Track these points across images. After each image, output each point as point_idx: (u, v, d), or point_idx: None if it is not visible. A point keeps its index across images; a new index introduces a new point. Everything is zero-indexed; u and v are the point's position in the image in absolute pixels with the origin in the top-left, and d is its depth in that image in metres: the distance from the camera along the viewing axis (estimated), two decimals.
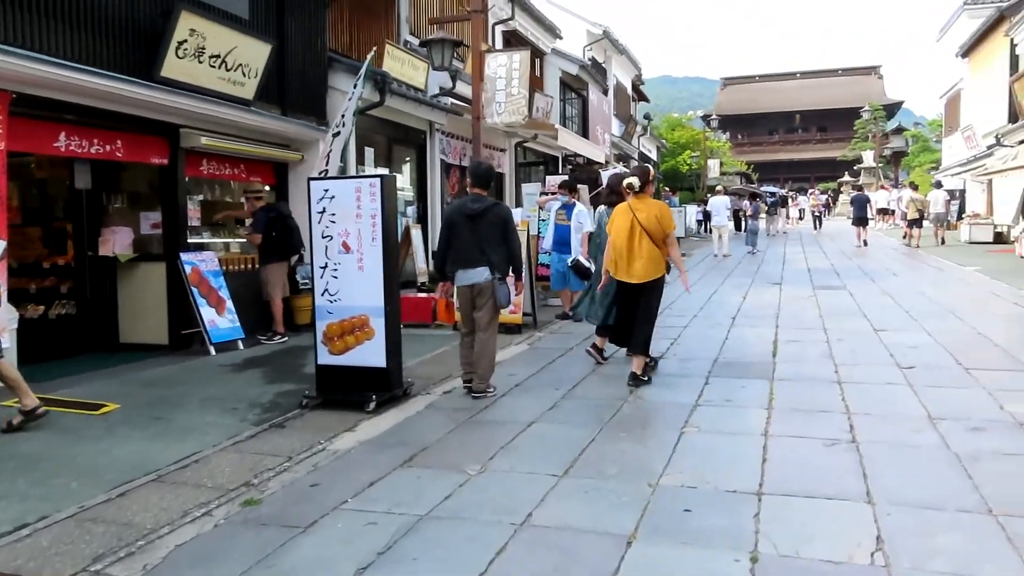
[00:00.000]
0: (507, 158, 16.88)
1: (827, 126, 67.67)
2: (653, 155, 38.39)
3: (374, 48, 9.87)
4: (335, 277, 5.81)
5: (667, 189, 34.40)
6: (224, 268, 8.65)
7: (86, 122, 6.99)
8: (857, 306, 10.23)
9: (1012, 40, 21.59)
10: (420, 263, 11.53)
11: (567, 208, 9.53)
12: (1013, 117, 20.87)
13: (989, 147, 23.39)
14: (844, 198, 42.91)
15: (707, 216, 24.55)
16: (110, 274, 8.16)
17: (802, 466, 4.10)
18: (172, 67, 7.27)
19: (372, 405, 5.54)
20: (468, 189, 6.13)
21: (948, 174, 29.27)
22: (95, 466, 4.44)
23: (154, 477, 4.23)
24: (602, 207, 10.05)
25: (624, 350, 7.22)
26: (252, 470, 4.37)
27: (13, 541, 3.45)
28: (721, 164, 42.89)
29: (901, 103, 65.05)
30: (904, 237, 22.57)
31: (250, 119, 8.68)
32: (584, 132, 22.08)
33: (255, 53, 8.34)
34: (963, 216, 25.77)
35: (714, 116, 44.17)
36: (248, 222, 9.04)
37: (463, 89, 12.53)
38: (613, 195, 7.48)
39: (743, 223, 28.22)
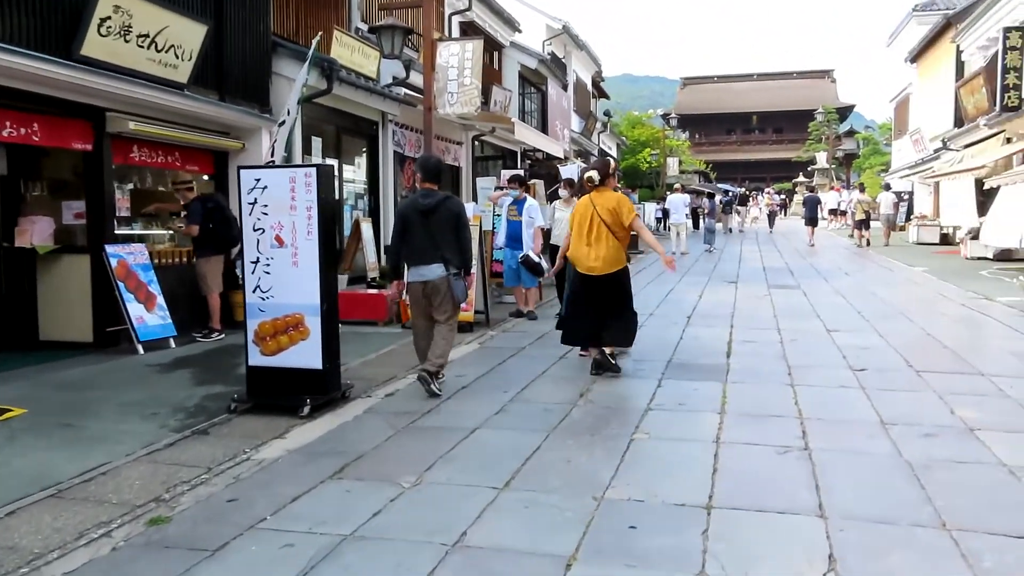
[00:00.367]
0: (464, 151, 16.56)
1: (783, 127, 68.64)
2: (613, 152, 38.38)
3: (320, 33, 9.47)
4: (267, 273, 5.44)
5: (627, 188, 34.39)
6: (156, 261, 8.20)
7: None
8: (811, 306, 10.18)
9: (958, 46, 21.99)
10: (371, 258, 11.15)
11: (518, 204, 9.28)
12: (959, 121, 21.26)
13: (936, 151, 23.85)
14: (798, 198, 43.50)
15: (666, 214, 24.58)
16: (28, 267, 7.64)
17: (753, 476, 3.90)
18: (94, 45, 6.79)
19: (306, 409, 5.20)
20: (418, 184, 5.97)
21: (897, 176, 29.82)
22: None
23: (52, 492, 3.84)
24: (556, 202, 9.86)
25: (576, 350, 7.04)
26: (165, 483, 4.01)
27: None
28: (680, 163, 43.12)
29: (853, 107, 66.29)
30: (851, 236, 23.45)
31: (184, 104, 8.22)
32: (543, 127, 21.86)
33: (189, 34, 7.89)
34: (911, 218, 26.26)
35: (673, 115, 44.31)
36: (184, 213, 8.58)
37: (417, 79, 12.16)
38: (582, 191, 7.35)
39: (700, 221, 28.40)
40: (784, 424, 4.79)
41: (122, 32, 7.07)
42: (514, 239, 9.32)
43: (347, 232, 11.71)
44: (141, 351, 7.46)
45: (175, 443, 4.71)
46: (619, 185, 22.24)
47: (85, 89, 6.98)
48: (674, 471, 4.02)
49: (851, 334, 7.97)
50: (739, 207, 32.22)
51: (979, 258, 16.37)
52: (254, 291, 5.49)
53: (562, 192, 9.62)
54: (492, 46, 19.17)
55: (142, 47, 7.36)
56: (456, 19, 16.58)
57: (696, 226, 27.81)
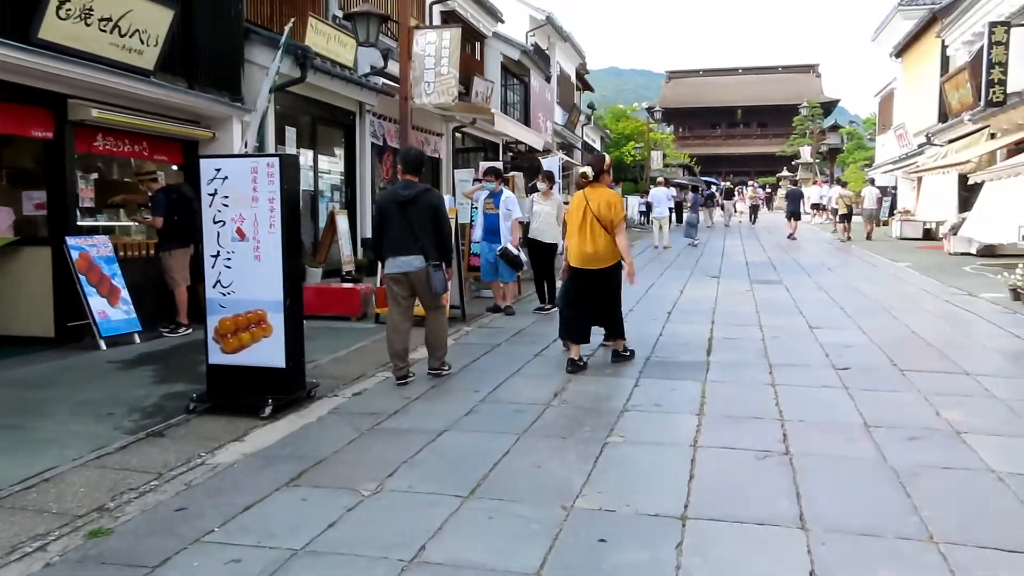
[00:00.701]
0: (444, 143, 16.31)
1: (767, 122, 68.71)
2: (597, 145, 38.22)
3: (293, 19, 9.19)
4: (228, 267, 5.21)
5: (611, 182, 34.22)
6: (122, 254, 7.93)
7: None
8: (793, 302, 10.04)
9: (943, 41, 21.95)
10: (346, 251, 10.90)
11: (494, 196, 9.05)
12: (943, 117, 21.22)
13: (920, 146, 23.83)
14: (782, 192, 43.53)
15: (650, 207, 24.44)
16: None
17: (731, 484, 3.72)
18: (53, 29, 6.50)
19: (268, 410, 4.98)
20: (399, 175, 6.02)
21: (881, 171, 29.81)
22: None
23: None
24: (534, 195, 9.66)
25: (555, 346, 6.86)
26: (111, 491, 3.78)
27: None
28: (664, 156, 42.99)
29: (837, 101, 66.45)
30: (834, 231, 23.60)
31: (150, 91, 7.92)
32: (526, 119, 21.63)
33: (154, 18, 7.60)
34: (894, 213, 26.27)
35: (658, 108, 44.22)
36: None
37: (396, 69, 11.87)
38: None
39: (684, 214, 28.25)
40: (764, 427, 4.62)
41: (82, 15, 6.78)
42: (491, 232, 9.11)
43: (322, 224, 11.46)
44: (103, 347, 7.20)
45: (127, 446, 4.48)
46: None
47: (44, 74, 6.69)
48: (648, 478, 3.83)
49: (834, 331, 7.83)
50: (724, 201, 32.13)
51: (962, 254, 16.33)
52: (214, 286, 5.26)
53: (540, 185, 9.41)
54: (474, 36, 18.90)
55: (104, 31, 7.07)
56: (437, 8, 16.31)
57: (680, 220, 27.65)
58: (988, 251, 15.61)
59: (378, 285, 8.61)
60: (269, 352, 5.13)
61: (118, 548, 3.16)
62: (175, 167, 9.22)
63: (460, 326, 8.39)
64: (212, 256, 5.25)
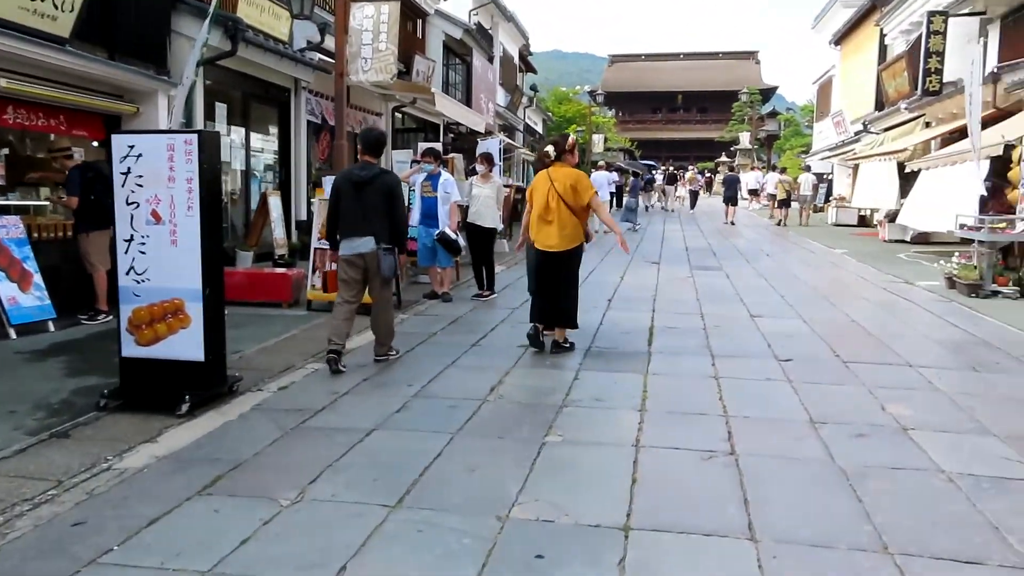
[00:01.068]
0: (383, 123, 15.83)
1: (707, 107, 69.44)
2: (539, 128, 37.99)
3: None
4: (142, 253, 4.81)
5: None
6: (36, 236, 7.40)
7: None
8: (734, 289, 10.03)
9: (882, 30, 22.34)
10: (279, 234, 10.46)
11: (432, 178, 8.73)
12: (880, 105, 21.66)
13: (857, 133, 24.31)
14: (720, 177, 44.14)
15: None
16: None
17: (676, 488, 3.55)
18: None
19: (185, 407, 4.62)
20: (359, 156, 5.99)
21: (818, 158, 30.37)
22: None
23: None
24: (473, 178, 9.38)
25: (497, 333, 6.62)
26: (2, 502, 3.40)
27: None
28: (606, 140, 43.06)
29: (775, 88, 67.55)
30: (771, 216, 24.13)
31: (66, 61, 7.35)
32: (467, 100, 21.22)
33: None
34: (830, 199, 26.83)
35: (600, 92, 44.19)
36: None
37: (333, 44, 11.40)
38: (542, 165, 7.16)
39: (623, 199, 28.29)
40: (709, 423, 4.48)
41: None
42: (429, 216, 8.79)
43: (254, 206, 10.96)
44: (13, 336, 6.70)
45: (26, 449, 4.09)
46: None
47: None
48: (589, 482, 3.63)
49: (775, 320, 7.80)
50: (666, 186, 32.30)
51: (897, 240, 16.72)
52: (127, 273, 4.86)
53: (478, 167, 9.13)
54: (415, 13, 18.38)
55: None
56: None
57: (620, 204, 27.71)
58: (922, 238, 16.00)
59: (311, 269, 8.23)
60: (187, 344, 4.76)
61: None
62: (96, 143, 8.62)
63: (395, 313, 8.06)
64: (125, 240, 4.84)
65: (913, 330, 7.49)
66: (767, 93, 62.58)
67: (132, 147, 4.77)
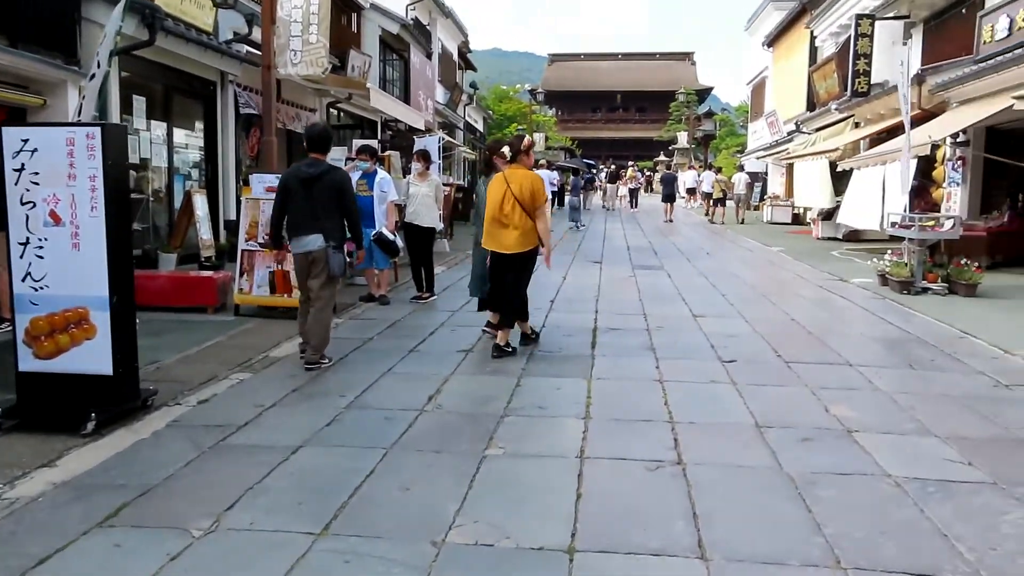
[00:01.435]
0: (317, 119, 15.31)
1: (645, 107, 70.30)
2: (480, 126, 37.76)
3: None
4: (40, 257, 4.39)
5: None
6: None
7: None
8: (675, 288, 9.98)
9: (812, 32, 22.84)
10: (205, 235, 9.92)
11: (368, 177, 8.39)
12: (811, 105, 22.11)
13: (790, 133, 24.82)
14: (659, 176, 44.66)
15: None
16: None
17: (623, 503, 3.36)
18: None
19: (91, 425, 4.22)
20: (307, 153, 5.84)
21: (752, 157, 30.95)
22: None
23: None
24: (410, 176, 9.08)
25: (436, 338, 6.36)
26: None
27: None
28: (547, 139, 43.10)
29: (711, 89, 68.86)
30: (707, 214, 24.82)
31: None
32: (406, 96, 20.82)
33: None
34: (765, 198, 27.35)
35: (540, 90, 44.23)
36: None
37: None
38: (487, 166, 7.26)
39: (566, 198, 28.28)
40: (654, 431, 4.31)
41: None
42: (364, 216, 8.41)
43: (178, 205, 10.41)
44: None
45: None
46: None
47: None
48: (532, 499, 3.41)
49: (717, 320, 7.74)
50: (608, 185, 32.43)
51: (829, 238, 17.06)
52: (24, 280, 4.44)
53: (415, 165, 8.84)
54: (350, 7, 17.91)
55: None
56: None
57: (561, 204, 27.68)
58: (853, 235, 16.36)
59: (238, 272, 7.80)
60: (93, 357, 4.36)
61: None
62: None
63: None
64: (20, 244, 4.42)
65: (851, 328, 7.52)
66: (703, 94, 63.72)
67: (26, 141, 4.34)
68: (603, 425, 4.41)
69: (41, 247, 4.37)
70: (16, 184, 4.35)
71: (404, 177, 10.10)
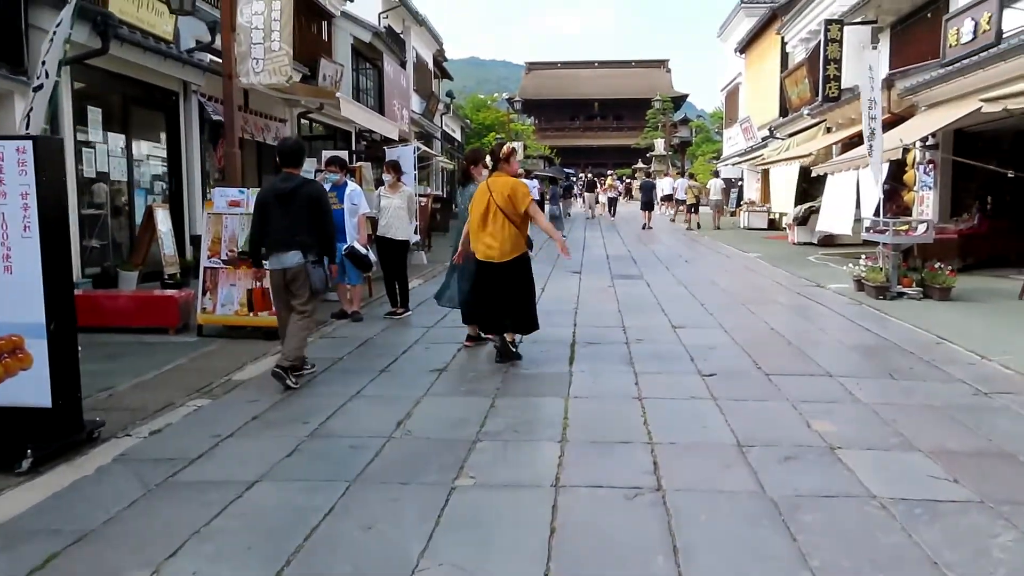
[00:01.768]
0: (288, 130, 15.03)
1: (623, 115, 70.58)
2: (457, 135, 37.56)
3: None
4: None
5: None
6: None
7: None
8: (654, 298, 9.81)
9: (783, 38, 22.94)
10: (168, 251, 9.61)
11: (338, 189, 8.13)
12: (784, 111, 22.17)
13: (764, 139, 24.88)
14: (638, 183, 44.72)
15: None
16: None
17: (600, 538, 3.13)
18: None
19: (27, 463, 3.92)
20: (281, 168, 5.80)
21: (728, 164, 31.04)
22: None
23: None
24: (381, 188, 8.83)
25: (410, 356, 6.11)
26: None
27: None
28: (525, 147, 42.99)
29: (686, 96, 69.25)
30: (685, 221, 24.97)
31: None
32: (380, 106, 20.55)
33: None
34: (741, 203, 27.40)
35: (518, 99, 44.15)
36: None
37: None
38: (465, 176, 7.26)
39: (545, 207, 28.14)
40: (633, 453, 4.09)
41: None
42: (336, 230, 8.16)
43: (139, 221, 10.08)
44: None
45: None
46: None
47: None
48: (502, 536, 3.17)
49: (697, 331, 7.56)
50: (586, 193, 32.35)
51: (805, 243, 17.03)
52: None
53: (386, 177, 8.60)
54: (319, 15, 17.65)
55: None
56: None
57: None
58: (827, 241, 16.33)
59: (201, 290, 7.50)
60: (29, 388, 4.06)
61: None
62: None
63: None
64: None
65: (830, 336, 7.37)
66: (678, 101, 64.05)
67: None
68: (580, 449, 4.18)
69: None
70: None
71: (376, 189, 9.85)
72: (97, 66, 8.80)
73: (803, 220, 17.53)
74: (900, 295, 9.28)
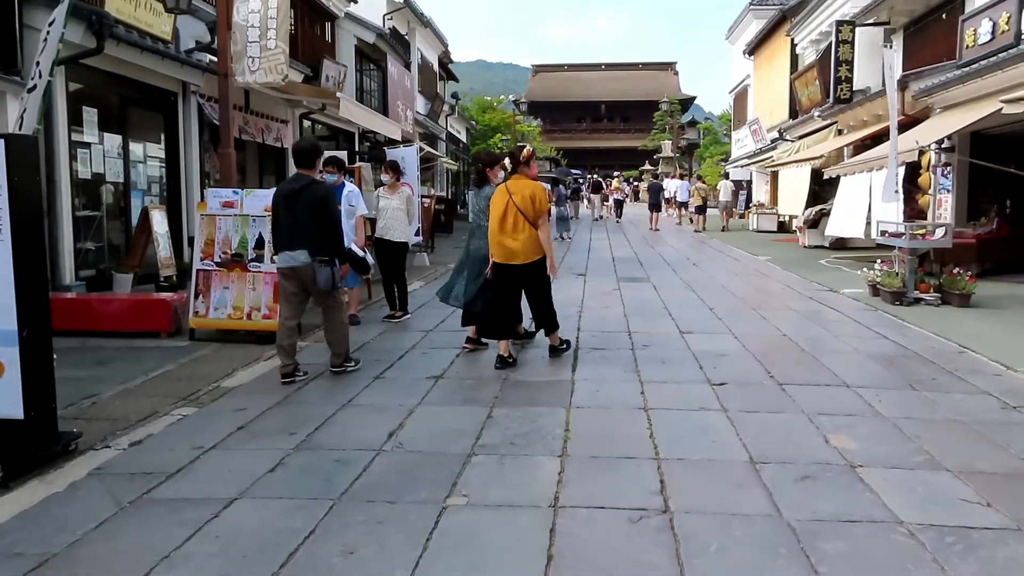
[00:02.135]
0: (290, 131, 14.84)
1: (630, 117, 70.25)
2: (463, 136, 37.38)
3: None
4: None
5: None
6: None
7: None
8: (661, 302, 9.55)
9: (793, 40, 22.64)
10: (164, 254, 9.41)
11: (335, 190, 7.88)
12: (794, 113, 21.87)
13: (773, 141, 24.57)
14: (644, 185, 44.44)
15: None
16: None
17: (601, 566, 2.88)
18: None
19: None
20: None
21: (737, 166, 30.72)
22: None
23: None
24: (380, 189, 8.61)
25: (405, 362, 5.87)
26: None
27: None
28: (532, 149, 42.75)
29: (694, 98, 68.91)
30: (692, 223, 24.76)
31: None
32: (384, 107, 20.36)
33: None
34: (750, 206, 27.08)
35: (524, 101, 43.97)
36: None
37: None
38: (480, 177, 7.14)
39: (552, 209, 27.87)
40: (638, 470, 3.84)
41: None
42: None
43: (135, 223, 9.88)
44: None
45: None
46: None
47: None
48: (494, 564, 2.92)
49: (706, 337, 7.30)
50: (592, 195, 32.09)
51: (816, 246, 16.73)
52: None
53: (384, 177, 8.37)
54: (323, 15, 17.48)
55: None
56: None
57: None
58: (839, 244, 16.04)
59: (193, 293, 7.29)
60: (0, 399, 3.84)
61: None
62: None
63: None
64: None
65: (845, 344, 7.08)
66: (686, 103, 63.71)
67: None
68: (582, 464, 3.94)
69: None
70: None
71: (376, 190, 9.63)
72: (94, 66, 8.62)
73: (814, 223, 17.23)
74: (917, 301, 9.00)
